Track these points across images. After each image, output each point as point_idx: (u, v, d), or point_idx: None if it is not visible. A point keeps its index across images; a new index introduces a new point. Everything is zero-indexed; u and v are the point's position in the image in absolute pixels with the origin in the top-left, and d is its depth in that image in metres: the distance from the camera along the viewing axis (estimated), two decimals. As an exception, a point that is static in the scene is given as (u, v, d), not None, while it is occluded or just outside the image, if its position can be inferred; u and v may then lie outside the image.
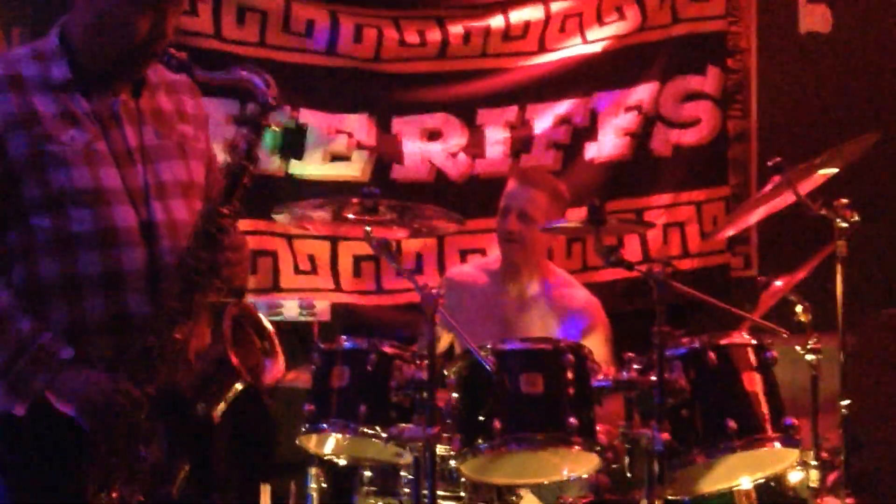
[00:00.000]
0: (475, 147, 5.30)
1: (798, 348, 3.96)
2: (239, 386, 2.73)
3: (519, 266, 4.50)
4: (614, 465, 3.64)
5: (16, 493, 2.77)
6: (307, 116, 5.04)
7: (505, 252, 4.52)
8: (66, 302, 2.72)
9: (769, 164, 3.98)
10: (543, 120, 5.35)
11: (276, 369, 2.76)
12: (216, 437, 2.75)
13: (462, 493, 3.72)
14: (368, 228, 3.59)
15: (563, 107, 5.36)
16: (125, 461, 2.65)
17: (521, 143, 5.34)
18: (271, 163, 4.88)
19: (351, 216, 3.70)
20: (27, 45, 2.88)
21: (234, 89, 3.00)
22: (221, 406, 2.75)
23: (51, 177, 2.72)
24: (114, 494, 2.65)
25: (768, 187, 4.04)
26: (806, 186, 4.00)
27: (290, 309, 4.53)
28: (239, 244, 2.80)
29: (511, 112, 5.32)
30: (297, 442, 3.78)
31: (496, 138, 5.31)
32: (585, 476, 3.70)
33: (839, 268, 3.90)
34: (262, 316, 2.80)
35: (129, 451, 2.64)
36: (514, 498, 3.76)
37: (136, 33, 2.73)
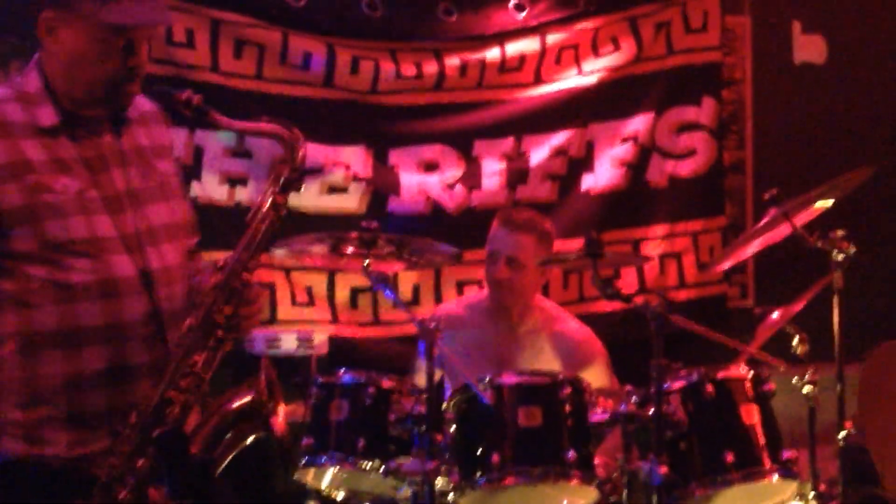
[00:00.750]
0: (471, 178, 5.30)
1: (795, 380, 3.96)
2: (255, 435, 2.75)
3: (510, 308, 4.49)
4: (612, 499, 3.64)
5: None
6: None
7: (495, 296, 4.49)
8: (63, 354, 2.68)
9: (765, 196, 4.00)
10: (539, 151, 5.35)
11: (281, 419, 2.76)
12: (219, 480, 2.74)
13: (460, 527, 3.71)
14: (367, 262, 3.60)
15: (559, 138, 5.37)
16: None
17: (518, 175, 5.34)
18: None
19: (350, 250, 3.71)
20: (6, 86, 2.80)
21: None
22: (232, 453, 2.75)
23: (46, 227, 2.64)
24: None
25: (765, 220, 4.05)
26: (802, 218, 4.01)
27: (288, 342, 4.52)
28: (257, 296, 2.77)
29: (507, 143, 5.33)
30: (294, 476, 3.78)
31: (492, 170, 5.32)
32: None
33: (836, 299, 3.91)
34: (270, 366, 2.79)
35: (136, 495, 2.63)
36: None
37: (111, 69, 2.67)
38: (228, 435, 2.69)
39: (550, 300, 4.81)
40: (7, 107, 2.71)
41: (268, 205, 2.74)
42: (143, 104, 2.85)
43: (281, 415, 2.75)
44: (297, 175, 2.73)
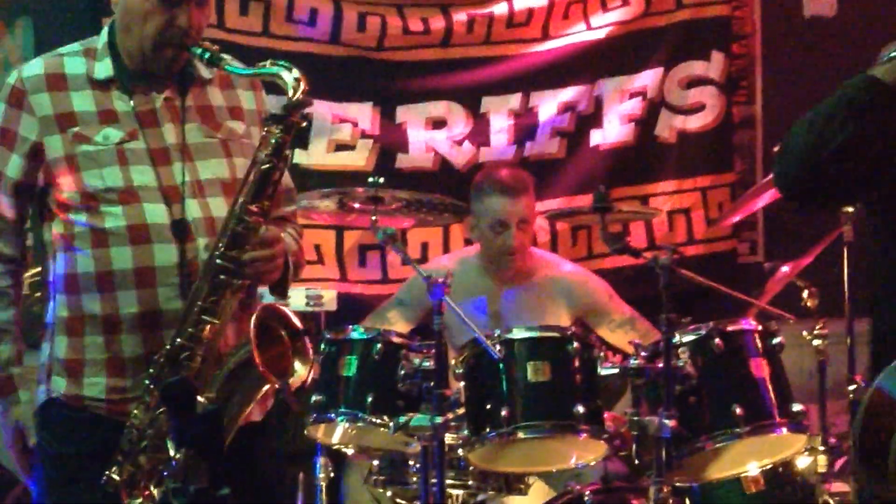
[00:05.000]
0: (480, 135, 5.28)
1: (805, 334, 3.96)
2: (266, 387, 2.73)
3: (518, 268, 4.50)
4: (621, 453, 3.65)
5: (47, 486, 2.84)
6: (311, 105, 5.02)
7: (506, 264, 4.48)
8: (101, 296, 2.77)
9: (774, 150, 3.97)
10: (548, 107, 5.33)
11: (307, 369, 2.75)
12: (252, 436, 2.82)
13: (470, 482, 3.72)
14: (374, 218, 3.59)
15: (568, 94, 5.34)
16: (154, 459, 2.67)
17: (526, 131, 5.32)
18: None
19: (357, 206, 3.70)
20: (81, 42, 2.92)
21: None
22: (250, 406, 2.76)
23: (84, 177, 2.77)
24: (146, 492, 2.68)
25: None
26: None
27: (297, 299, 4.52)
28: (270, 241, 2.76)
29: (515, 99, 5.30)
30: (304, 432, 3.79)
31: (500, 126, 5.30)
32: (594, 464, 3.70)
33: (845, 252, 3.90)
34: (292, 316, 2.78)
35: (158, 448, 2.66)
36: (522, 486, 3.76)
37: (153, 29, 2.76)
38: (236, 387, 2.69)
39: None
40: (71, 60, 2.86)
41: (266, 146, 2.73)
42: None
43: (302, 366, 2.73)
44: (292, 108, 2.71)
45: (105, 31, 2.89)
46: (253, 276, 2.74)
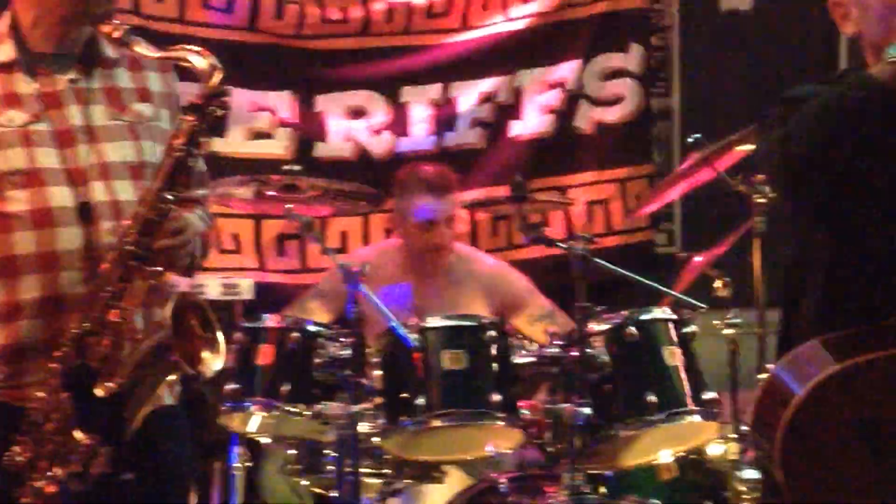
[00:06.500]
0: (399, 125, 5.28)
1: (717, 323, 4.01)
2: (177, 375, 2.72)
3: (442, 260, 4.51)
4: (537, 441, 3.67)
5: None
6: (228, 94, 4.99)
7: (431, 259, 4.51)
8: (2, 282, 2.72)
9: (688, 140, 4.03)
10: (467, 97, 5.34)
11: (218, 360, 2.73)
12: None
13: (387, 471, 3.72)
14: (290, 206, 3.57)
15: (488, 84, 5.36)
16: (56, 442, 2.63)
17: (446, 121, 5.33)
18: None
19: (272, 194, 3.68)
20: None
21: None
22: (159, 392, 2.73)
23: None
24: (49, 473, 2.63)
25: (686, 163, 4.08)
26: (725, 163, 4.04)
27: (213, 288, 4.50)
28: (182, 229, 2.73)
29: (435, 90, 5.31)
30: (220, 421, 3.77)
31: (420, 116, 5.30)
32: (511, 452, 3.72)
33: (757, 243, 3.95)
34: (206, 305, 2.77)
35: (61, 432, 2.63)
36: (438, 474, 3.77)
37: (60, 8, 2.73)
38: (146, 372, 2.67)
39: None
40: None
41: (181, 133, 2.70)
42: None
43: (211, 357, 2.71)
44: (206, 96, 2.69)
45: (7, 13, 2.83)
46: (165, 264, 2.72)
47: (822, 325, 2.42)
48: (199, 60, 2.71)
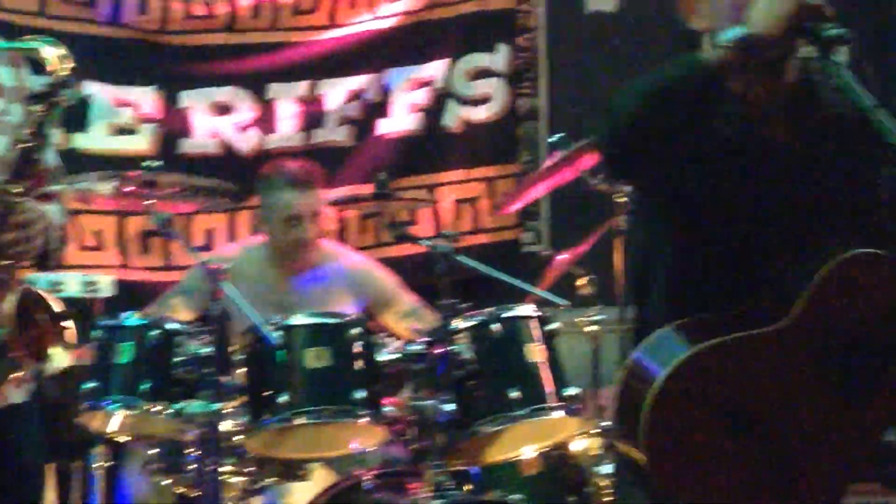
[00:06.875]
0: (266, 122, 5.25)
1: (579, 320, 4.06)
2: (21, 371, 2.66)
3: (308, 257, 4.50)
4: (402, 438, 3.68)
5: None
6: (90, 88, 4.93)
7: (297, 255, 4.47)
8: None
9: (550, 140, 4.07)
10: (335, 95, 5.33)
11: (68, 355, 2.68)
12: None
13: (250, 469, 3.69)
14: (148, 202, 3.53)
15: (356, 82, 5.35)
16: None
17: (313, 118, 5.31)
18: (53, 136, 4.73)
19: (131, 190, 3.63)
20: None
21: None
22: (5, 388, 2.68)
23: None
24: None
25: (548, 162, 4.13)
26: (587, 162, 4.09)
27: (72, 285, 4.41)
28: (31, 222, 2.69)
29: (302, 87, 5.29)
30: (79, 420, 3.70)
31: (287, 113, 5.27)
32: (376, 449, 3.72)
33: (617, 242, 4.01)
34: (53, 300, 2.71)
35: None
36: (302, 472, 3.75)
37: None
38: None
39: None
40: None
41: (27, 124, 2.65)
42: None
43: (60, 352, 2.66)
44: (53, 86, 2.64)
45: None
46: (13, 257, 2.67)
47: (672, 315, 2.47)
48: (48, 50, 2.66)
